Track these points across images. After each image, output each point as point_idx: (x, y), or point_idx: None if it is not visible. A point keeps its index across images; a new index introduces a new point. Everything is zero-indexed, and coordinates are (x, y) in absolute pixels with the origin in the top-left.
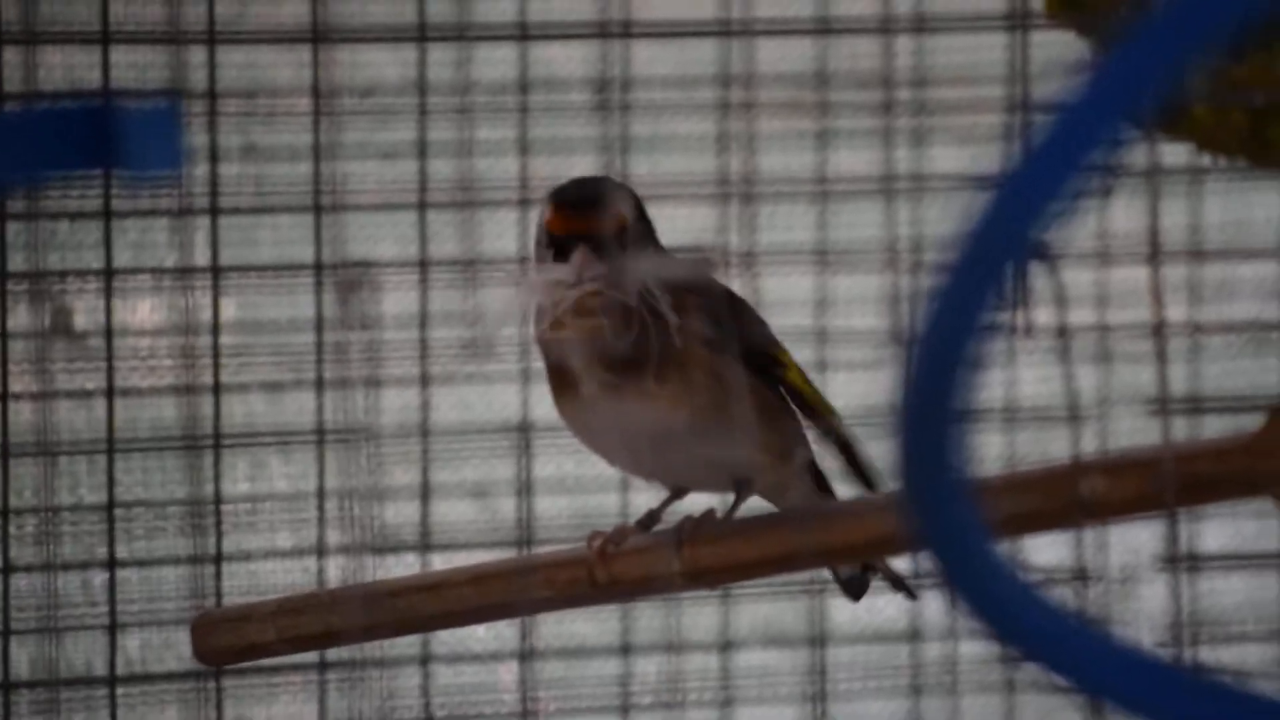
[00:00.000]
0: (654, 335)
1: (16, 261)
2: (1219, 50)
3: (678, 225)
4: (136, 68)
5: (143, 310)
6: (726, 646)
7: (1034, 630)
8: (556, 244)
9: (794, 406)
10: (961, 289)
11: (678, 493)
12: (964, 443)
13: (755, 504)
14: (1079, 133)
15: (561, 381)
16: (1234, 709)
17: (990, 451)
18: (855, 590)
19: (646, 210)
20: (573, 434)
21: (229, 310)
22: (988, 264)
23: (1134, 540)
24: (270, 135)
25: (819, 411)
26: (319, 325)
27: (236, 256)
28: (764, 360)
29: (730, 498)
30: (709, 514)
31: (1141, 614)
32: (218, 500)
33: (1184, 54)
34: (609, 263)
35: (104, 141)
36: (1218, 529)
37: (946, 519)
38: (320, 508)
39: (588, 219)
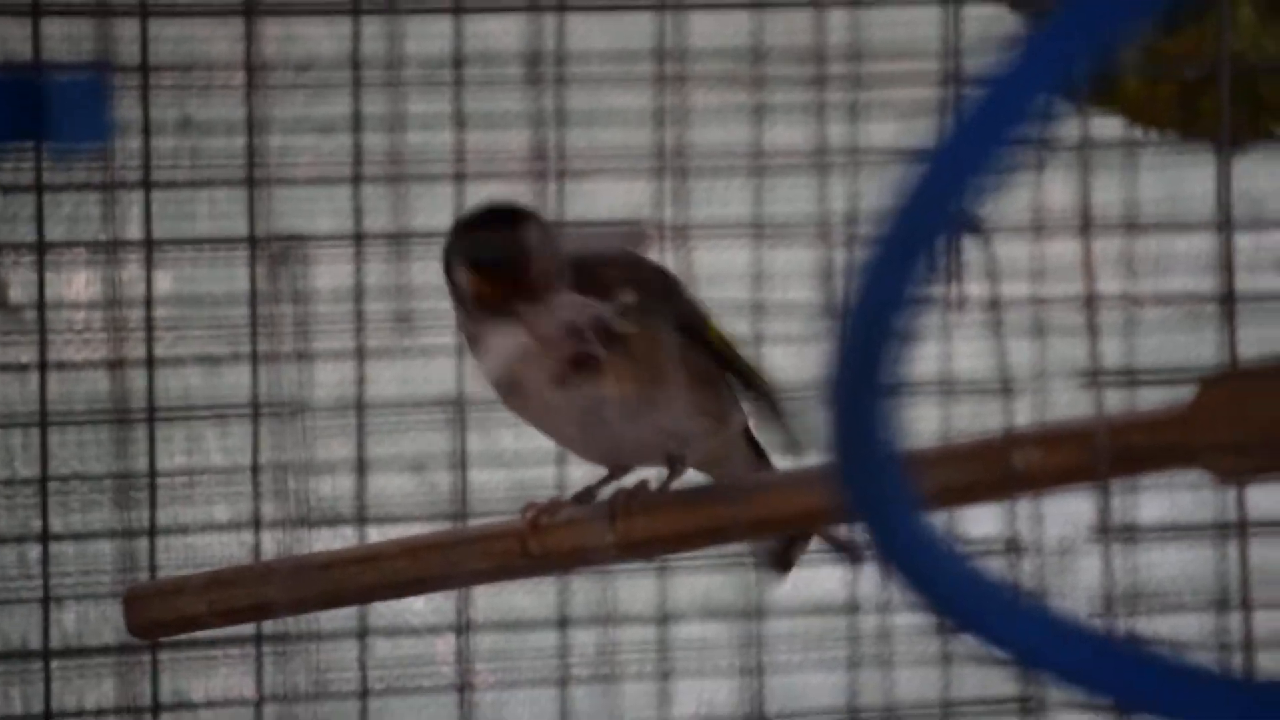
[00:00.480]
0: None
1: None
2: (1149, 24)
3: (615, 200)
4: (70, 40)
5: (77, 284)
6: (664, 619)
7: (968, 602)
8: (487, 306)
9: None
10: (891, 262)
11: (616, 471)
12: (895, 415)
13: (691, 477)
14: (1006, 106)
15: (509, 391)
16: (1169, 678)
17: (926, 424)
18: (781, 566)
19: (548, 225)
20: (519, 419)
21: (165, 284)
22: (916, 237)
23: (1074, 512)
24: (206, 109)
25: (739, 369)
26: (253, 299)
27: (173, 230)
28: (692, 329)
29: (665, 472)
30: (642, 485)
31: (1080, 586)
32: (152, 474)
33: (1113, 27)
34: (547, 309)
35: (32, 113)
36: (1155, 501)
37: (877, 491)
38: (255, 481)
39: (516, 280)
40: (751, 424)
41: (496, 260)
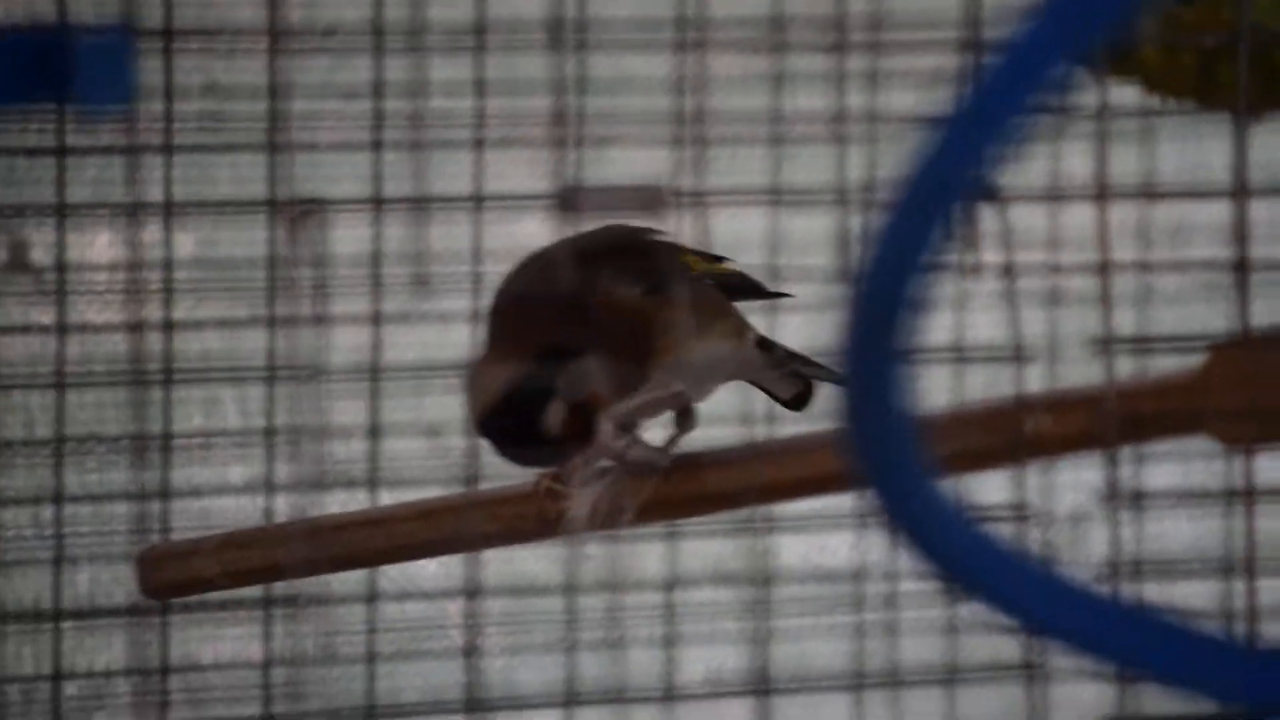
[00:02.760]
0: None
1: None
2: None
3: (635, 168)
4: (95, 3)
5: (99, 246)
6: (672, 585)
7: (975, 566)
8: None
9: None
10: (906, 229)
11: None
12: (907, 381)
13: (700, 436)
14: (1023, 73)
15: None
16: (1177, 644)
17: (938, 392)
18: (797, 404)
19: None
20: None
21: (186, 247)
22: (932, 204)
23: (1086, 481)
24: (229, 74)
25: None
26: (272, 262)
27: (195, 194)
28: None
29: (671, 428)
30: (654, 449)
31: (1094, 556)
32: (168, 435)
33: None
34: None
35: (55, 73)
36: (1169, 471)
37: (889, 456)
38: (270, 443)
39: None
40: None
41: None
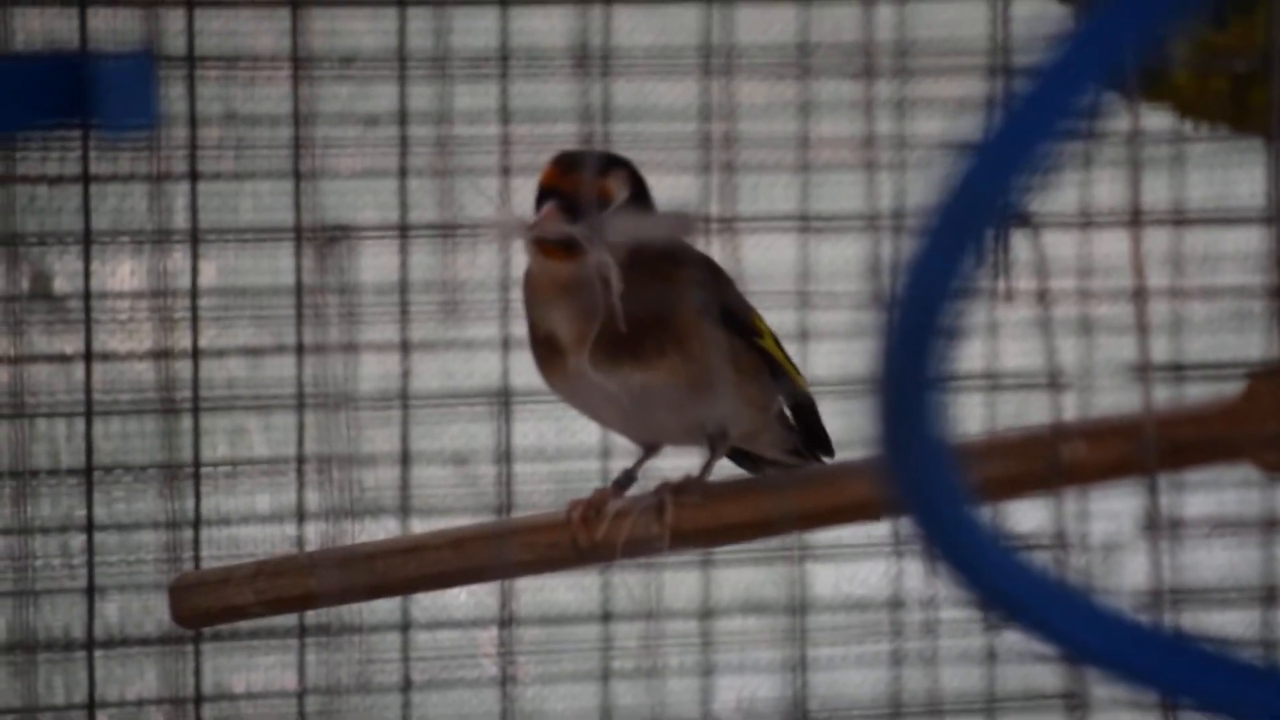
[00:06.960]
0: (617, 307)
1: None
2: (1200, 17)
3: (662, 194)
4: (116, 33)
5: (122, 274)
6: (707, 613)
7: (1015, 593)
8: (539, 198)
9: (767, 364)
10: (937, 256)
11: (651, 450)
12: (942, 408)
13: (728, 464)
14: (1053, 99)
15: (548, 351)
16: (1217, 673)
17: (973, 419)
18: None
19: (649, 195)
20: (556, 395)
21: (210, 275)
22: (963, 231)
23: (1121, 509)
24: (252, 101)
25: (789, 375)
26: (298, 290)
27: (218, 221)
28: (742, 325)
29: (704, 455)
30: (687, 478)
31: (1129, 585)
32: (196, 463)
33: (1161, 20)
34: (577, 225)
35: (79, 95)
36: (1203, 499)
37: (925, 483)
38: (299, 471)
39: (568, 178)
40: (784, 405)
41: (569, 161)
